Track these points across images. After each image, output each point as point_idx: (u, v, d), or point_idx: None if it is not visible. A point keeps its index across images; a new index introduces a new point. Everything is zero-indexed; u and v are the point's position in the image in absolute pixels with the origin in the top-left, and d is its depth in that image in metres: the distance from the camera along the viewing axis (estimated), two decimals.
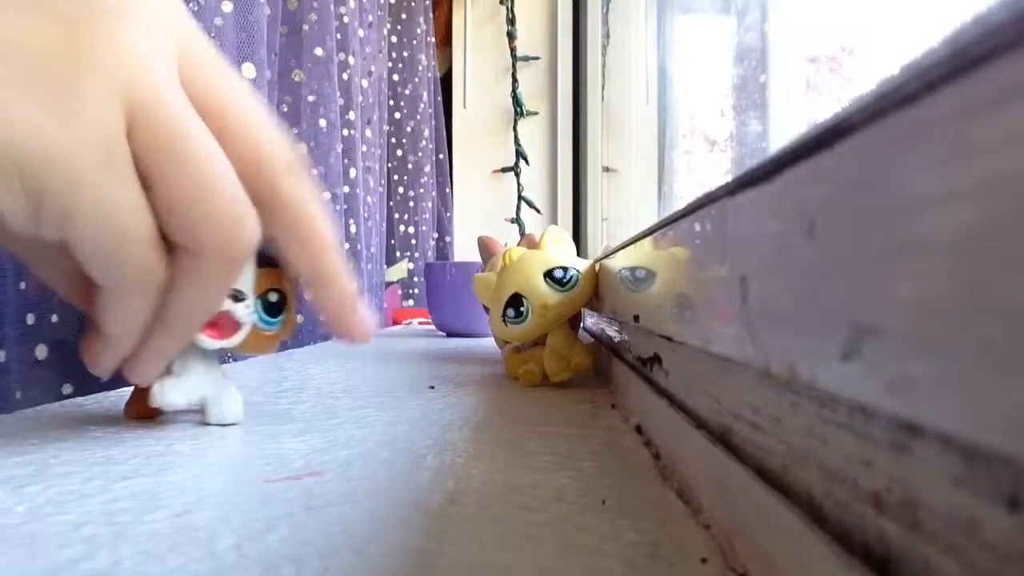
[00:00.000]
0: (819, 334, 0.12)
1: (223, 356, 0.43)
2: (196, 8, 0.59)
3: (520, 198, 1.58)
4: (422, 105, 1.45)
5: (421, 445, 0.29)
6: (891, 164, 0.09)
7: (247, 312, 0.29)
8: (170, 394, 0.30)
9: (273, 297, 0.31)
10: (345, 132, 0.94)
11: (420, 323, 1.24)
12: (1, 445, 0.29)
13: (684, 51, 1.16)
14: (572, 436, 0.31)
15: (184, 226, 0.25)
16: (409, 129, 1.44)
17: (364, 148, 1.04)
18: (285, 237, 0.28)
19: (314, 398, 0.42)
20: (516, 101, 1.57)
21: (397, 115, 1.42)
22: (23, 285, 0.38)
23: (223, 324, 0.29)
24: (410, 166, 1.43)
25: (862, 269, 0.10)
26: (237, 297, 0.29)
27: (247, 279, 0.29)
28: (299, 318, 0.34)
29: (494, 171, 1.60)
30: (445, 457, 0.27)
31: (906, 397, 0.09)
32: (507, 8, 1.56)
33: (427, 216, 1.45)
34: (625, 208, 1.40)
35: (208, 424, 0.32)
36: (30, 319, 0.38)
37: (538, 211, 1.58)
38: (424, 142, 1.45)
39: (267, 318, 0.31)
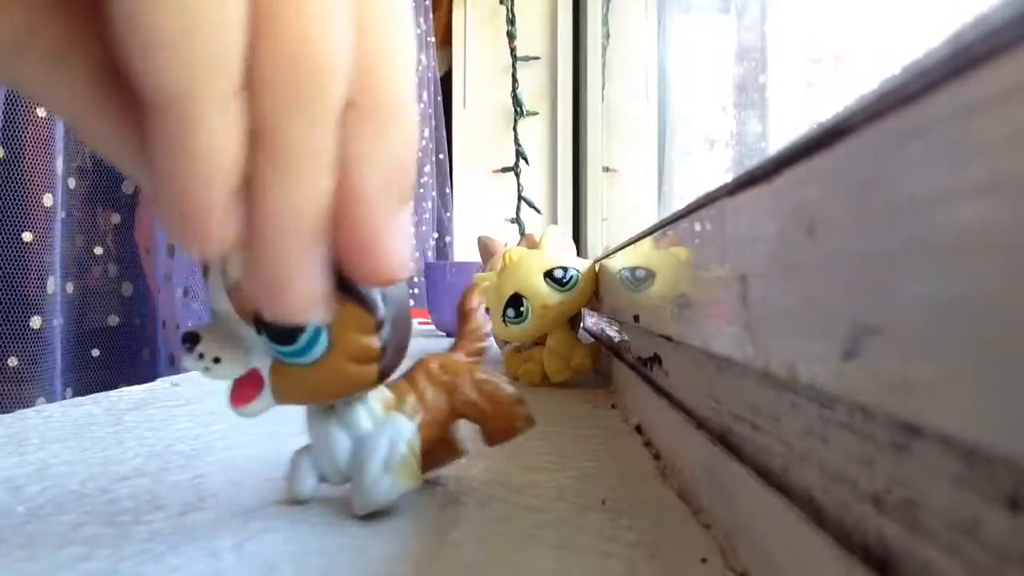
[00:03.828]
0: (819, 334, 0.12)
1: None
2: None
3: (520, 198, 1.58)
4: (422, 105, 1.45)
5: None
6: (891, 164, 0.09)
7: (205, 363, 0.19)
8: (299, 482, 0.22)
9: None
10: None
11: (420, 323, 1.24)
12: (1, 445, 0.29)
13: (684, 50, 1.16)
14: (572, 436, 0.31)
15: None
16: None
17: None
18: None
19: None
20: (516, 101, 1.57)
21: None
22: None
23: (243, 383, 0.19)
24: None
25: (862, 269, 0.10)
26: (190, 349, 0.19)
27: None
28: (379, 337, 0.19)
29: (494, 171, 1.60)
30: None
31: (906, 397, 0.09)
32: (507, 8, 1.56)
33: (427, 216, 1.45)
34: (625, 208, 1.40)
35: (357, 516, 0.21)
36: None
37: (538, 211, 1.58)
38: (424, 142, 1.45)
39: (279, 346, 0.19)
